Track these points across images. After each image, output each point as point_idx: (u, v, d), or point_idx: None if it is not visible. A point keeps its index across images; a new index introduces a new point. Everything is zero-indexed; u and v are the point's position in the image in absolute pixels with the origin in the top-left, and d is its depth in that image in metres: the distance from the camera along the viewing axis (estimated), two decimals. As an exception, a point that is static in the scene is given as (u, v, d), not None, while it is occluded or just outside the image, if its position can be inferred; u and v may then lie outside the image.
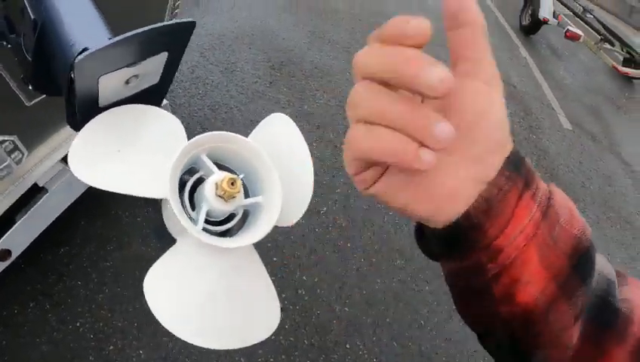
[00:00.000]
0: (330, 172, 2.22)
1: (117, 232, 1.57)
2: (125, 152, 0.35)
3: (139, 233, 1.61)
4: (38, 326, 1.28)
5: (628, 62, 5.46)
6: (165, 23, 0.34)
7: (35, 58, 0.43)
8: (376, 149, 0.20)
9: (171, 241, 0.35)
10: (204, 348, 0.32)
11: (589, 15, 6.94)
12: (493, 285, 0.23)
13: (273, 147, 0.38)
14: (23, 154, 1.02)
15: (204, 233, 0.33)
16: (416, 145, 0.18)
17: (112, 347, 1.30)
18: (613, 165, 3.61)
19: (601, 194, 3.10)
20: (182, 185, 0.35)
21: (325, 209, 2.01)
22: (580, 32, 4.74)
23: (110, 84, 0.35)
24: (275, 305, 0.37)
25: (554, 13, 5.07)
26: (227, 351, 1.39)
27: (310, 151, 0.40)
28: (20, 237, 1.11)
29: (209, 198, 0.33)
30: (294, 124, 0.42)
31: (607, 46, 5.99)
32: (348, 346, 1.54)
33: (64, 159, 1.17)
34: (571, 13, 5.47)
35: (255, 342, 0.34)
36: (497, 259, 0.22)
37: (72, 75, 0.33)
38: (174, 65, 0.40)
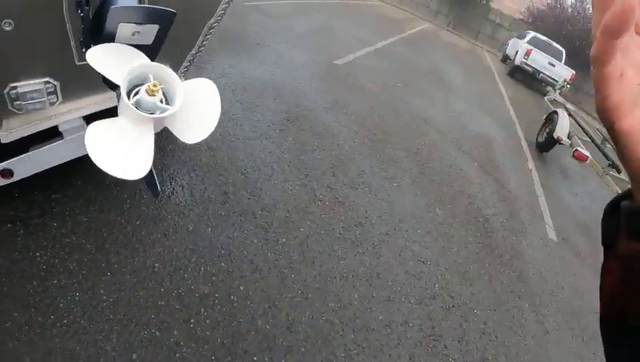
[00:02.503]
0: (300, 213, 2.47)
1: (102, 198, 1.87)
2: (116, 58, 0.66)
3: (120, 205, 1.89)
4: (2, 242, 1.52)
5: None
6: (159, 7, 0.68)
7: (95, 15, 0.77)
8: None
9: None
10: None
11: (608, 145, 7.39)
12: None
13: (197, 89, 0.69)
14: (57, 100, 1.34)
15: (135, 108, 0.62)
16: None
17: (55, 281, 1.51)
18: (592, 283, 3.54)
19: (569, 304, 3.07)
20: (133, 90, 0.65)
21: (284, 241, 2.23)
22: (587, 154, 4.91)
23: (124, 30, 0.68)
24: (148, 165, 0.63)
25: (569, 134, 5.37)
26: (146, 324, 1.55)
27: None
28: (26, 165, 1.41)
29: (142, 92, 0.63)
30: (216, 87, 0.73)
31: (614, 173, 6.34)
32: (255, 359, 1.65)
33: (85, 117, 1.51)
34: (589, 140, 5.68)
35: (131, 177, 0.60)
36: None
37: (105, 20, 0.65)
38: (161, 39, 0.73)
